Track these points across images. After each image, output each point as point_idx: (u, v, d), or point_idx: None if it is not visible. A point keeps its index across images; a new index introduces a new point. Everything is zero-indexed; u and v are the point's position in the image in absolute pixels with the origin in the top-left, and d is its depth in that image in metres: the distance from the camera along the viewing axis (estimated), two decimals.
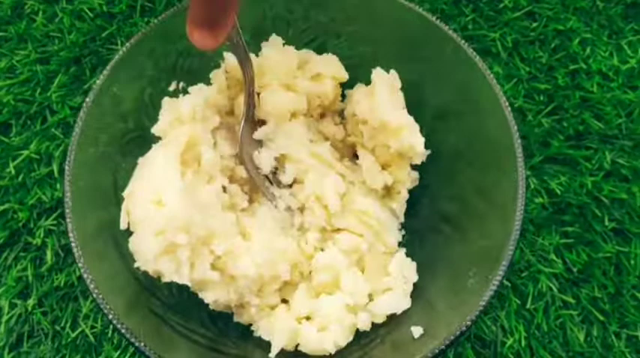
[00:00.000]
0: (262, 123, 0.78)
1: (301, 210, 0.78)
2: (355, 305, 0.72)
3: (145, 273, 0.65)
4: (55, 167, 0.91)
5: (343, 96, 0.84)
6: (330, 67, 0.80)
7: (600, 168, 0.93)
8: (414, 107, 0.78)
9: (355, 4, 0.79)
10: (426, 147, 0.75)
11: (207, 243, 0.67)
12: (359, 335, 0.72)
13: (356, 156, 0.82)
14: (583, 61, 1.01)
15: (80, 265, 0.63)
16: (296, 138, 0.78)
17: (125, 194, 0.68)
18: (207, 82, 0.79)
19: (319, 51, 0.82)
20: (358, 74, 0.81)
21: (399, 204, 0.81)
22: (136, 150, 0.72)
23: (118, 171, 0.72)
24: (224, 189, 0.75)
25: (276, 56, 0.78)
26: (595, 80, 0.99)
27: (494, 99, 0.71)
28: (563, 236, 0.89)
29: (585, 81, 1.00)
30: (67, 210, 0.65)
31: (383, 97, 0.75)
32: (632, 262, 0.87)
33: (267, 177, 0.79)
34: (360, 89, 0.81)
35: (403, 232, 0.81)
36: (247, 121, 0.77)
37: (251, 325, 0.74)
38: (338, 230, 0.77)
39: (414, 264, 0.77)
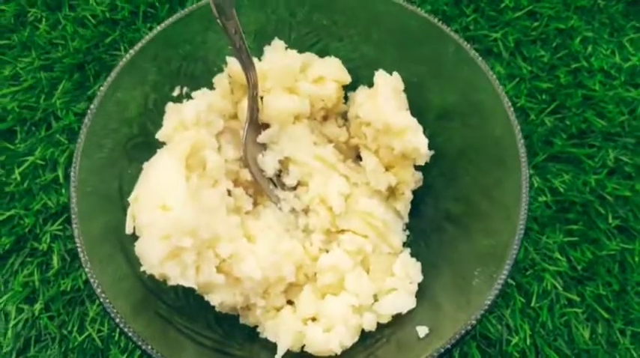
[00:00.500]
0: (266, 126, 0.79)
1: (306, 211, 0.78)
2: (360, 306, 0.72)
3: (151, 277, 0.65)
4: (60, 173, 0.92)
5: (346, 98, 0.84)
6: (333, 70, 0.80)
7: (603, 165, 0.93)
8: (416, 108, 0.78)
9: (357, 7, 0.79)
10: (430, 147, 0.75)
11: (212, 246, 0.68)
12: (364, 335, 0.72)
13: (359, 158, 0.82)
14: (585, 59, 1.01)
15: (87, 269, 0.63)
16: (300, 141, 0.79)
17: (130, 199, 0.68)
18: (211, 87, 0.79)
19: (321, 54, 0.82)
20: (361, 76, 0.81)
21: (403, 204, 0.81)
22: (140, 155, 0.73)
23: (123, 176, 0.73)
24: (229, 192, 0.76)
25: (278, 60, 0.78)
26: (597, 78, 1.00)
27: (496, 98, 0.71)
28: (568, 234, 0.89)
29: (587, 79, 1.00)
30: (74, 216, 0.66)
31: (386, 99, 0.75)
32: (637, 259, 0.87)
33: (271, 179, 0.79)
34: (362, 91, 0.81)
35: (408, 232, 0.81)
36: (251, 125, 0.77)
37: (257, 327, 0.74)
38: (342, 231, 0.77)
39: (418, 264, 0.77)
